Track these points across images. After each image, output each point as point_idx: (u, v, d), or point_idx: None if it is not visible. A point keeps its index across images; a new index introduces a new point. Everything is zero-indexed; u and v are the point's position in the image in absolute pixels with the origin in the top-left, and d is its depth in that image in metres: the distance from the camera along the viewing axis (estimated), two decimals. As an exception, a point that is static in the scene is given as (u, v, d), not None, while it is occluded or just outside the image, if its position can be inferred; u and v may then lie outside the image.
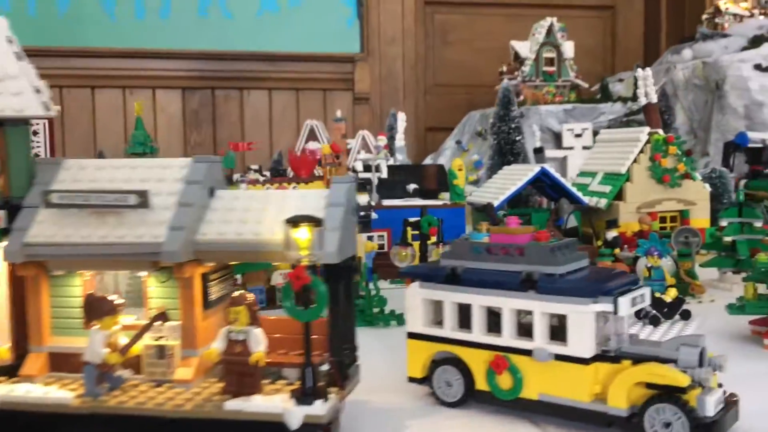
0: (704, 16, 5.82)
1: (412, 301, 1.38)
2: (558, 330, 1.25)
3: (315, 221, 1.06)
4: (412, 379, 1.41)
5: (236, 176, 3.76)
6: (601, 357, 1.21)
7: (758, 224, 2.30)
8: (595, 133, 5.30)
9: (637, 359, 1.18)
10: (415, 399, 1.41)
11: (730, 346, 1.71)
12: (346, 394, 1.18)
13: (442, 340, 1.35)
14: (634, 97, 5.41)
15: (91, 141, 5.73)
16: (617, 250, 2.39)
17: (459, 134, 5.84)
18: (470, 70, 6.29)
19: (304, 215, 1.06)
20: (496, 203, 2.67)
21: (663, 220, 2.72)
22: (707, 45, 5.27)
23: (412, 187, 3.13)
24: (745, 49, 5.06)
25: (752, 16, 5.57)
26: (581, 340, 1.20)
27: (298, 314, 1.05)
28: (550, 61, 5.69)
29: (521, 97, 5.54)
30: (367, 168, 3.48)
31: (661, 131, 2.73)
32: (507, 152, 3.06)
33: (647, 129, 2.73)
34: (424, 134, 6.59)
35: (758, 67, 4.88)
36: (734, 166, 3.74)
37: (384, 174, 3.30)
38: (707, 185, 2.76)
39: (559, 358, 1.22)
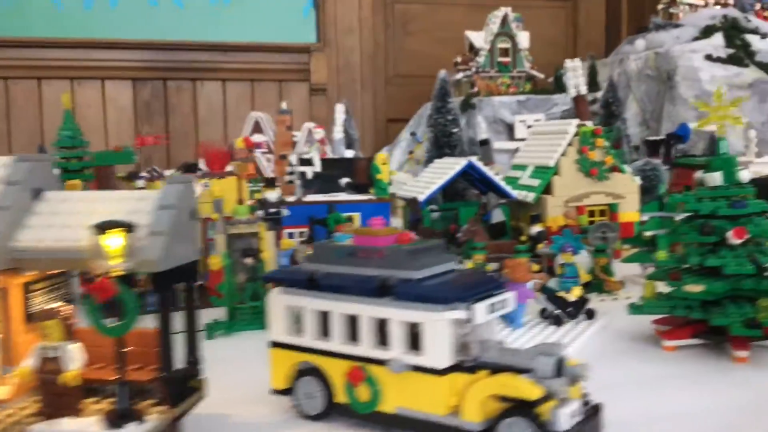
0: (660, 6, 5.78)
1: (274, 307, 1.30)
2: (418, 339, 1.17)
3: (126, 226, 0.98)
4: (275, 391, 1.33)
5: (171, 171, 3.66)
6: (457, 367, 1.13)
7: (679, 218, 2.24)
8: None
9: (494, 369, 1.11)
10: (279, 412, 1.33)
11: (631, 347, 1.65)
12: (179, 413, 1.09)
13: (303, 349, 1.27)
14: (589, 88, 5.37)
15: (38, 133, 5.57)
16: (540, 246, 2.32)
17: (415, 126, 5.76)
18: (432, 61, 6.15)
19: (113, 220, 0.97)
20: (421, 198, 2.60)
21: (592, 214, 2.65)
22: (660, 35, 5.23)
23: (344, 181, 3.04)
24: (696, 39, 5.02)
25: (707, 5, 5.53)
26: (436, 350, 1.12)
27: (105, 329, 0.97)
28: (505, 52, 5.62)
29: (475, 88, 5.47)
30: (302, 162, 3.39)
31: (589, 123, 2.66)
32: (444, 145, 2.98)
33: (576, 121, 2.66)
34: (384, 126, 6.50)
35: (709, 57, 4.84)
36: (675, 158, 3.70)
37: (317, 167, 3.22)
38: (637, 178, 2.71)
39: (416, 369, 1.14)
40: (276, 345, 1.31)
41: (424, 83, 6.06)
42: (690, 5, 5.60)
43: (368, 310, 1.18)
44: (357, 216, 2.53)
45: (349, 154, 4.16)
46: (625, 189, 2.66)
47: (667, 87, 4.94)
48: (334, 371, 1.23)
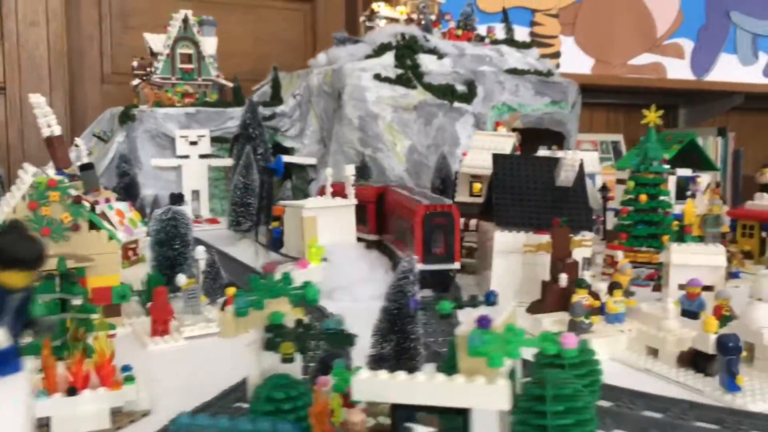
0: (361, 19, 5.55)
1: None
2: None
3: None
4: None
5: None
6: None
7: (78, 302, 1.87)
8: (219, 140, 4.87)
9: None
10: None
11: None
12: None
13: None
14: (273, 101, 5.04)
15: None
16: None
17: (98, 127, 5.21)
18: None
19: None
20: None
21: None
22: (339, 50, 4.99)
23: None
24: (369, 57, 4.82)
25: (398, 21, 5.35)
26: None
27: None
28: (187, 58, 5.19)
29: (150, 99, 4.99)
30: None
31: (51, 172, 2.25)
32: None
33: (34, 169, 2.24)
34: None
35: (377, 77, 4.65)
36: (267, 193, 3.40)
37: None
38: (143, 230, 2.34)
39: None
40: None
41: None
42: (389, 19, 5.40)
43: None
44: None
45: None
46: (97, 249, 2.27)
47: (338, 105, 4.71)
48: None
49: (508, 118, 5.00)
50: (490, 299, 1.28)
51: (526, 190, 2.56)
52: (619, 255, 3.05)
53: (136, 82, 5.13)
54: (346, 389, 1.28)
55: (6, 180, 4.44)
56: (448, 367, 1.25)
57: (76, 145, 4.92)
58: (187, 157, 4.69)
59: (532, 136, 4.81)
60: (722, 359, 1.64)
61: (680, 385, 1.73)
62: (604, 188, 4.04)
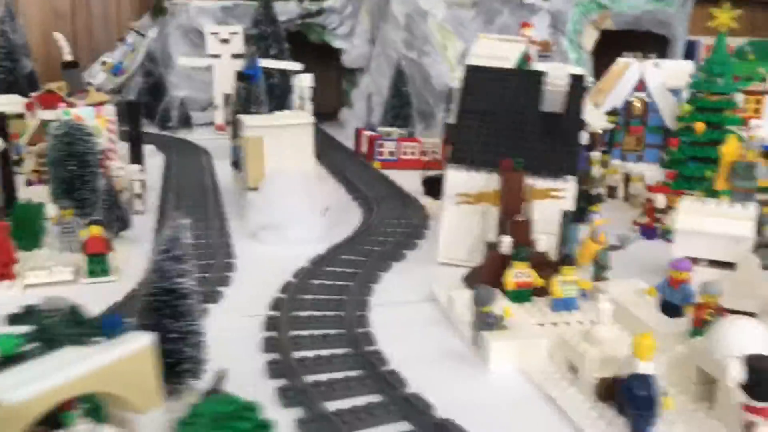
0: None
1: None
2: None
3: None
4: None
5: None
6: None
7: None
8: (255, 37, 4.40)
9: None
10: None
11: None
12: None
13: None
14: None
15: None
16: None
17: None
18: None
19: None
20: None
21: None
22: (392, -66, 4.29)
23: None
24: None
25: None
26: None
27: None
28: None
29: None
30: None
31: None
32: None
33: None
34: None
35: (431, -35, 3.94)
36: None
37: None
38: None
39: None
40: None
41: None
42: None
43: None
44: None
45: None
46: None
47: (385, 1, 4.09)
48: None
49: (596, 17, 4.15)
50: (109, 328, 0.75)
51: (500, 115, 1.92)
52: (660, 200, 2.33)
53: None
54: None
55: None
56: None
57: (137, 31, 4.62)
58: (218, 56, 4.27)
59: (628, 40, 3.96)
60: (629, 411, 1.03)
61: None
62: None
